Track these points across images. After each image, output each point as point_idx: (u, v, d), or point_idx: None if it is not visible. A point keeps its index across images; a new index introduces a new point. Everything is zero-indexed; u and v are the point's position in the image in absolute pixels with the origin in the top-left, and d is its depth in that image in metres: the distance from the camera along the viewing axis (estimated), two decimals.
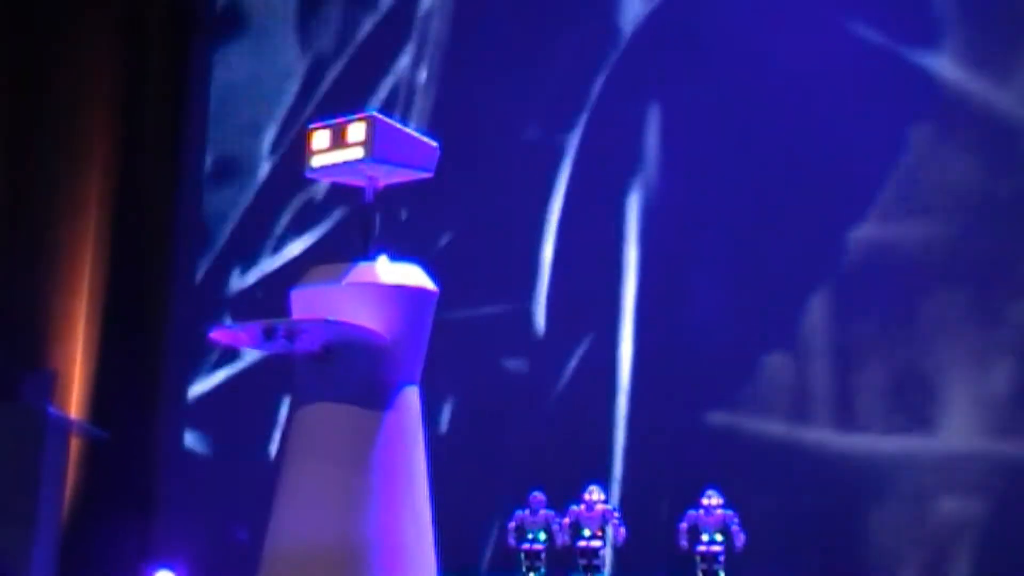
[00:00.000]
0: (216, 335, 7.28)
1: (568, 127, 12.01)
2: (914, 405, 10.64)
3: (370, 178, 7.52)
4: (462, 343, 11.18)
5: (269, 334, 6.98)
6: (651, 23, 11.85)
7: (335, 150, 7.40)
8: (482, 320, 11.91)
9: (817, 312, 11.05)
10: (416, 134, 7.54)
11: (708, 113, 11.62)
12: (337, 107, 7.83)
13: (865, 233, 10.89)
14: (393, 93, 10.32)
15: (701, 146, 11.70)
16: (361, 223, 7.45)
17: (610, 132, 11.96)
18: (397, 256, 7.37)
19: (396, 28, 12.86)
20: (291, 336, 7.02)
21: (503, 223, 12.16)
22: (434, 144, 7.59)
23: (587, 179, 12.03)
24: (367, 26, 12.96)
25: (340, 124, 7.40)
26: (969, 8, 10.73)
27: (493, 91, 12.32)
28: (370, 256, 7.38)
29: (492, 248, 12.08)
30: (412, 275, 7.38)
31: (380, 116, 7.36)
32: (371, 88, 12.41)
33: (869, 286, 10.89)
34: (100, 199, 13.77)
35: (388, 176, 7.56)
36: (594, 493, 10.34)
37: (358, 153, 7.33)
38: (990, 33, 10.63)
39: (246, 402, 12.64)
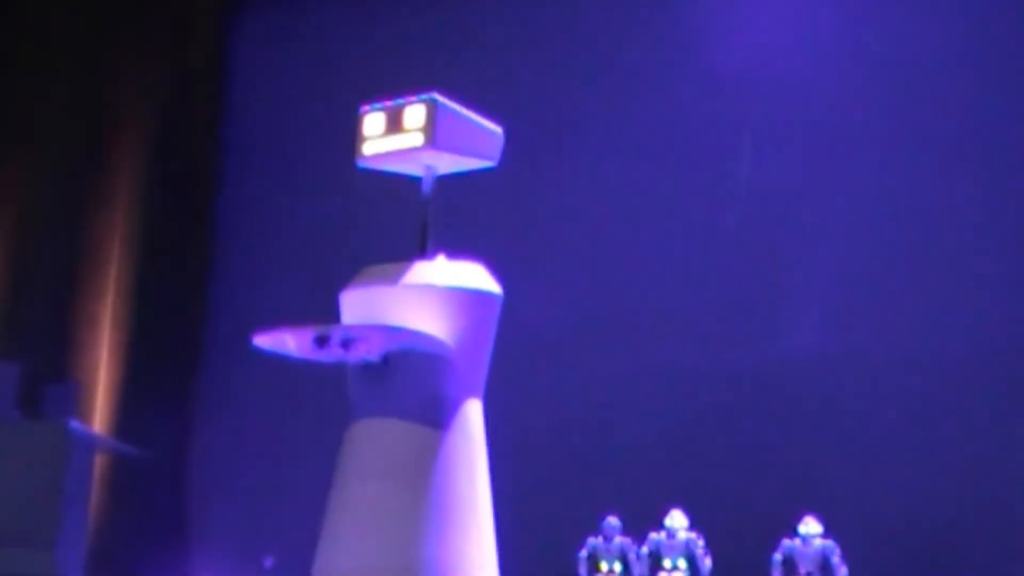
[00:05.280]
0: (260, 341, 7.35)
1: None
2: None
3: (428, 168, 7.59)
4: (528, 351, 11.27)
5: (322, 341, 7.03)
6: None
7: (390, 136, 7.47)
8: (549, 327, 12.00)
9: (921, 326, 11.21)
10: (479, 119, 7.58)
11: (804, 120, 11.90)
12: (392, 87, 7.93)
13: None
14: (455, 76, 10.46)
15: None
16: (418, 218, 7.52)
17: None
18: (457, 255, 7.45)
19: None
20: (347, 344, 7.06)
21: (577, 226, 12.27)
22: (498, 130, 7.63)
23: (670, 193, 12.18)
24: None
25: (396, 107, 7.46)
26: None
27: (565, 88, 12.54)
28: (428, 255, 7.45)
29: (561, 251, 12.16)
30: (475, 276, 7.44)
31: (441, 99, 7.40)
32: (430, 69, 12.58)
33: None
34: (130, 192, 13.99)
35: (449, 166, 7.63)
36: (676, 518, 10.40)
37: (416, 140, 7.37)
38: None
39: (293, 414, 12.80)
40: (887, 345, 11.28)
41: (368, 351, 7.17)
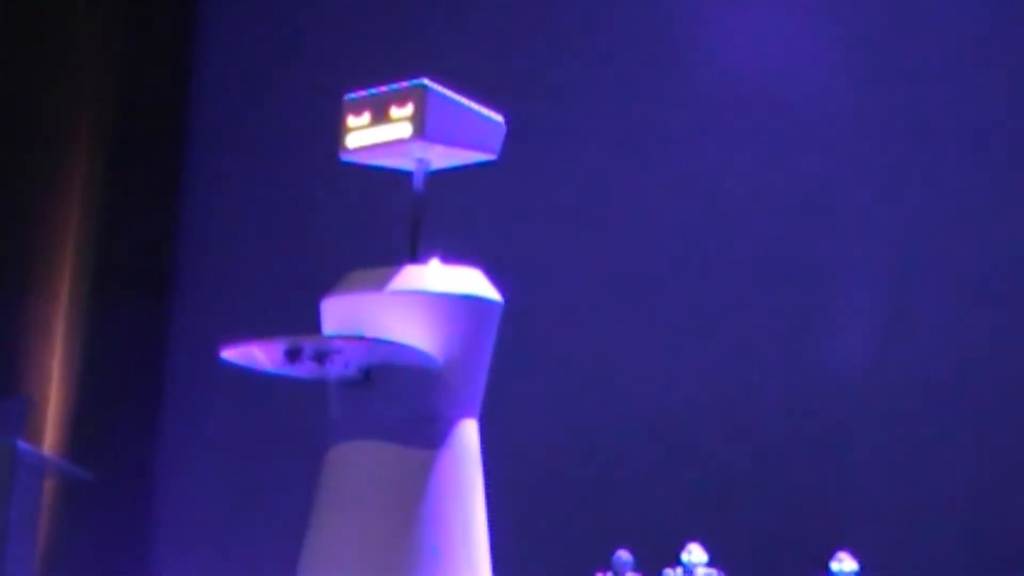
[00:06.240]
0: (228, 354, 7.37)
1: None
2: None
3: (420, 161, 7.61)
4: (530, 366, 11.26)
5: (294, 355, 7.05)
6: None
7: (377, 126, 7.49)
8: (555, 338, 11.99)
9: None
10: (476, 107, 7.59)
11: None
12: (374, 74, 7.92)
13: None
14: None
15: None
16: (409, 217, 7.53)
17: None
18: (453, 258, 7.45)
19: None
20: (321, 357, 7.08)
21: (589, 229, 12.32)
22: (499, 120, 7.64)
23: (698, 197, 12.30)
24: None
25: (383, 96, 7.48)
26: None
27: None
28: (419, 258, 7.46)
29: (570, 255, 12.17)
30: (472, 282, 7.44)
31: (432, 85, 7.42)
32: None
33: None
34: (86, 183, 13.93)
35: (442, 159, 7.64)
36: (694, 553, 10.39)
37: (404, 131, 7.39)
38: None
39: (268, 434, 12.79)
40: (927, 368, 11.34)
41: (345, 365, 7.18)
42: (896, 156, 12.01)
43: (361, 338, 7.19)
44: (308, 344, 7.12)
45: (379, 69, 8.15)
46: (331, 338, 7.27)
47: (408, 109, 7.40)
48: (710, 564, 10.42)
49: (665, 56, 12.53)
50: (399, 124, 7.45)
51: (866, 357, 11.59)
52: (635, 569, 10.56)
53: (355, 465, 7.30)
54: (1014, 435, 11.15)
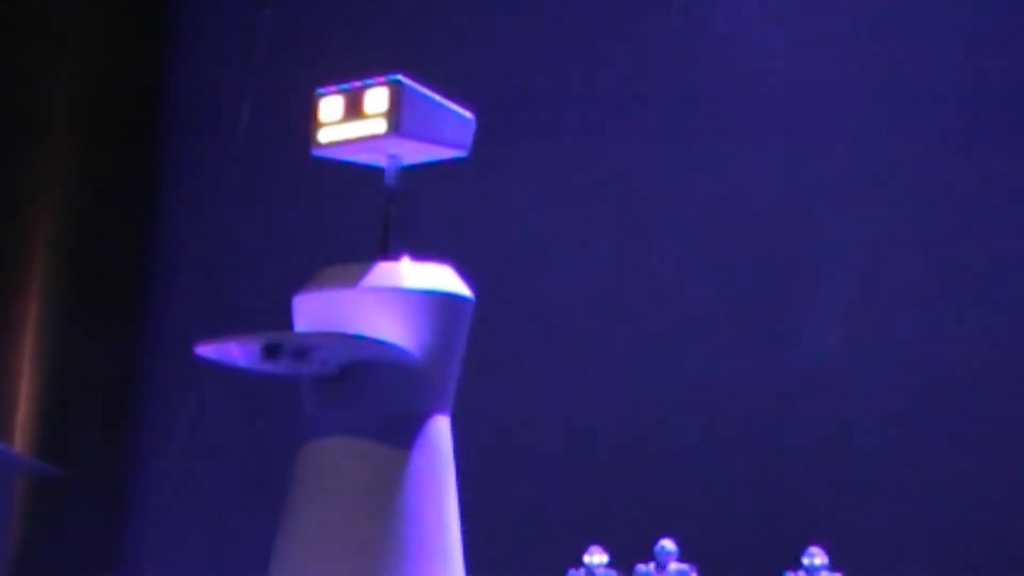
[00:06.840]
0: (203, 350, 7.36)
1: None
2: None
3: (391, 157, 7.62)
4: (500, 362, 11.29)
5: (271, 352, 7.04)
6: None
7: (349, 121, 7.49)
8: (524, 335, 12.01)
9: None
10: (447, 103, 7.60)
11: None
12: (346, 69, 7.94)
13: None
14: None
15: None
16: (381, 213, 7.53)
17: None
18: (423, 254, 7.47)
19: None
20: (299, 354, 7.08)
21: (558, 224, 12.35)
22: (469, 116, 7.66)
23: (669, 183, 12.36)
24: None
25: (356, 89, 7.48)
26: None
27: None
28: (391, 255, 7.48)
29: (539, 251, 12.20)
30: (443, 278, 7.46)
31: (406, 81, 7.43)
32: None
33: None
34: (56, 178, 13.89)
35: (414, 154, 7.66)
36: (666, 548, 10.44)
37: (379, 127, 7.39)
38: None
39: (243, 431, 12.78)
40: (910, 357, 11.40)
41: (323, 362, 7.18)
42: (891, 154, 12.03)
43: (340, 335, 7.20)
44: (287, 341, 7.11)
45: (355, 65, 8.14)
46: (310, 335, 7.26)
47: (383, 105, 7.41)
48: (681, 559, 10.45)
49: (648, 49, 12.55)
50: (373, 120, 7.45)
51: (846, 353, 11.65)
52: (608, 565, 10.58)
53: (328, 462, 7.31)
54: (1003, 432, 11.19)
